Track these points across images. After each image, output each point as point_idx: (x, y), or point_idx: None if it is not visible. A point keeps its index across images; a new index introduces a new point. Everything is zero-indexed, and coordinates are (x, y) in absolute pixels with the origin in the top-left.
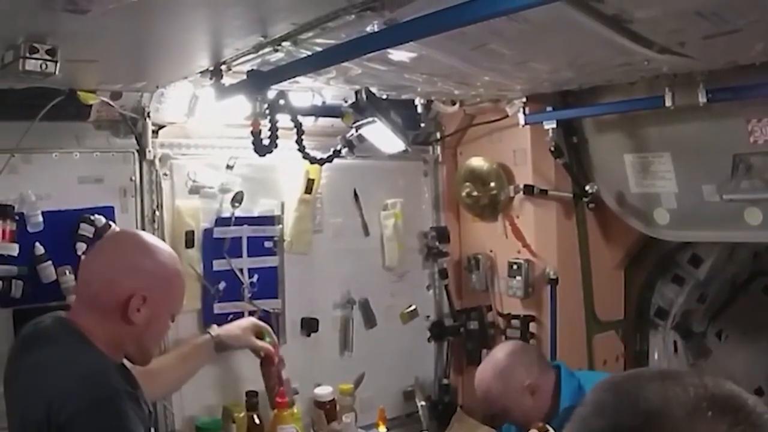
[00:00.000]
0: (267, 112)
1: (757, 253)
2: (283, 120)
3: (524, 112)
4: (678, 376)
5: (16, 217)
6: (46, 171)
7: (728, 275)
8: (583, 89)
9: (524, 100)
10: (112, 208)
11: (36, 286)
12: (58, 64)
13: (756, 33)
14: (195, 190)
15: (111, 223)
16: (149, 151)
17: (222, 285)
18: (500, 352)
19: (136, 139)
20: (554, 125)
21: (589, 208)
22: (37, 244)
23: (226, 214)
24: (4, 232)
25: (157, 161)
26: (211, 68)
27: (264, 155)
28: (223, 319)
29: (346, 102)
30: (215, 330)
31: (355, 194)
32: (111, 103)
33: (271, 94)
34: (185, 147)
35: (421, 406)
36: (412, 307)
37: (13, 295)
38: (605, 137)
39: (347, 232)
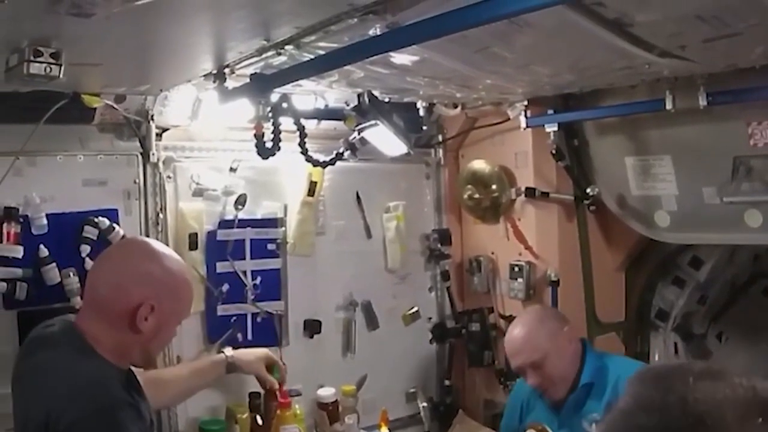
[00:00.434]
0: (270, 115)
1: (757, 255)
2: (286, 123)
3: (526, 115)
4: (726, 376)
5: (21, 220)
6: (51, 173)
7: (728, 277)
8: (584, 92)
9: (526, 103)
10: (116, 210)
11: (40, 288)
12: (63, 68)
13: (756, 36)
14: (198, 193)
15: (115, 225)
16: (153, 154)
17: (225, 287)
18: (534, 307)
19: (140, 141)
20: (555, 128)
21: (590, 211)
22: (42, 246)
23: (230, 217)
24: (8, 234)
25: (160, 164)
26: (215, 71)
27: (267, 158)
28: (226, 320)
29: (347, 105)
30: (229, 351)
31: (358, 197)
32: (115, 106)
33: (274, 97)
34: (189, 150)
35: (423, 407)
36: (414, 309)
37: (18, 297)
38: (606, 140)
39: (350, 235)
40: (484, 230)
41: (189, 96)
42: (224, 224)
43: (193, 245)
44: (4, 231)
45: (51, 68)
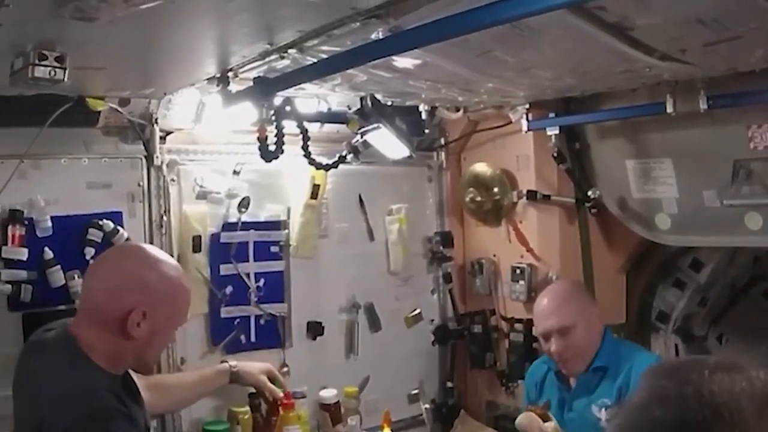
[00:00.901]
0: (273, 118)
1: (757, 257)
2: (289, 126)
3: (527, 119)
4: (742, 369)
5: (26, 222)
6: (55, 176)
7: (729, 279)
8: (585, 96)
9: (527, 106)
10: (120, 213)
11: (45, 291)
12: (67, 71)
13: (756, 40)
14: (202, 196)
15: (119, 228)
16: (157, 157)
17: (229, 289)
18: (568, 279)
19: (144, 145)
20: (557, 131)
21: (592, 213)
22: (46, 248)
23: (233, 219)
24: (13, 236)
25: (164, 167)
26: (218, 75)
27: (270, 161)
28: (229, 322)
29: (349, 109)
30: (233, 362)
31: (360, 199)
32: (119, 109)
33: (278, 100)
34: (192, 153)
35: (426, 408)
36: (417, 311)
37: (23, 299)
38: (607, 143)
39: (352, 237)
40: (486, 233)
41: (193, 99)
42: (228, 227)
43: (196, 248)
44: (9, 233)
45: (55, 72)
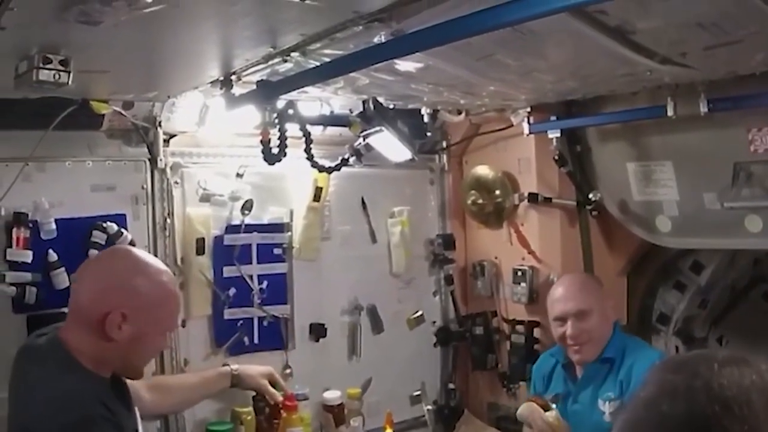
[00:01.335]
0: (276, 121)
1: (757, 259)
2: (292, 129)
3: (529, 122)
4: (751, 363)
5: (30, 225)
6: (60, 179)
7: (729, 281)
8: (586, 99)
9: (529, 109)
10: (124, 215)
11: (49, 293)
12: (71, 75)
13: (756, 44)
14: (205, 198)
15: (123, 230)
16: (160, 160)
17: (232, 291)
18: (584, 272)
19: (148, 147)
20: (558, 134)
21: (593, 216)
22: (51, 251)
23: (236, 222)
24: (18, 239)
25: (168, 170)
26: (222, 78)
27: (273, 164)
28: (233, 324)
29: (351, 112)
30: (235, 366)
31: (363, 202)
32: (123, 112)
33: (281, 103)
34: (196, 156)
35: (428, 410)
36: (419, 313)
37: (27, 301)
38: (608, 146)
39: (355, 239)
40: (488, 235)
41: (196, 102)
42: (231, 229)
43: (200, 250)
44: (14, 236)
45: (60, 75)
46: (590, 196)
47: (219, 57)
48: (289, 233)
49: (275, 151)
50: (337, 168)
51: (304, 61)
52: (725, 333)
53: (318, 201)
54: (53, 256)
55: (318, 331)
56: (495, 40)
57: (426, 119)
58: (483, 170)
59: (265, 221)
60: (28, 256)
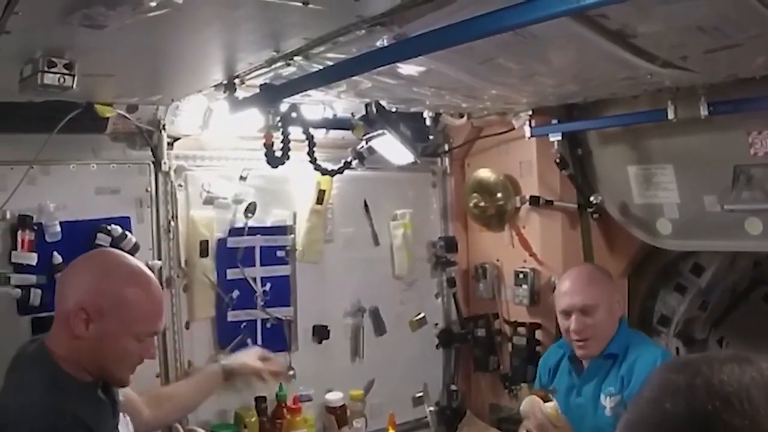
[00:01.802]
0: (279, 124)
1: (757, 262)
2: (295, 132)
3: (530, 125)
4: (752, 361)
5: (35, 227)
6: (64, 182)
7: (729, 284)
8: (587, 102)
9: (530, 113)
10: (129, 218)
11: (54, 295)
12: (76, 78)
13: (756, 47)
14: (209, 201)
15: (127, 233)
16: (164, 163)
17: (235, 293)
18: (595, 264)
19: (152, 151)
20: (559, 137)
21: (594, 219)
22: (55, 253)
23: (240, 224)
24: (23, 241)
25: (172, 172)
26: (225, 82)
27: (276, 167)
28: (236, 326)
29: (353, 116)
30: (224, 359)
31: (366, 205)
32: (127, 116)
33: (284, 107)
34: (200, 159)
35: (430, 411)
36: (421, 315)
37: (32, 303)
38: (609, 149)
39: (358, 242)
40: (490, 238)
41: (200, 106)
42: (234, 232)
43: (203, 252)
44: (19, 238)
45: (64, 79)
46: (591, 198)
47: (222, 61)
48: (292, 236)
49: (278, 154)
50: (340, 171)
51: (307, 65)
52: (726, 335)
53: (321, 204)
54: (58, 258)
55: (321, 333)
56: (497, 44)
57: (428, 122)
58: (485, 173)
59: (269, 224)
60: (32, 259)
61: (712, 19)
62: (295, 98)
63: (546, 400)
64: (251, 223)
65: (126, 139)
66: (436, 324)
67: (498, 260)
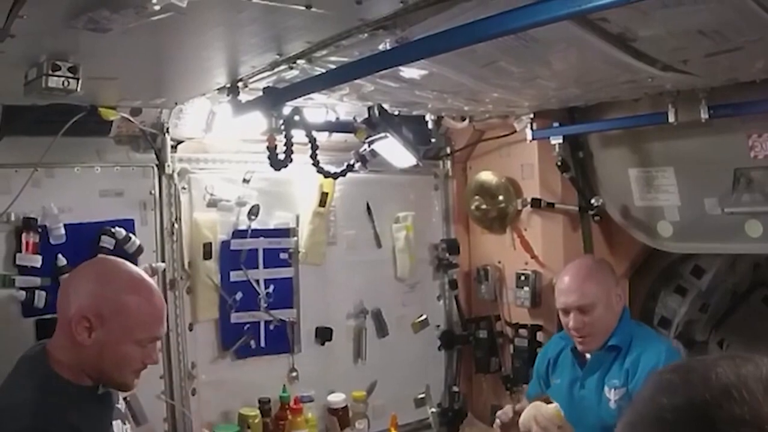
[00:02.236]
0: (282, 127)
1: (757, 264)
2: (298, 135)
3: (532, 128)
4: (748, 356)
5: (40, 230)
6: (68, 185)
7: (729, 286)
8: (588, 105)
9: (532, 116)
10: (132, 220)
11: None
12: (80, 81)
13: (756, 51)
14: (212, 204)
15: (131, 235)
16: (168, 166)
17: (239, 295)
18: (594, 257)
19: (156, 153)
20: (561, 140)
21: (595, 221)
22: (60, 255)
23: (243, 227)
24: (27, 244)
25: (175, 175)
26: (229, 85)
27: (279, 169)
28: (239, 328)
29: (355, 121)
30: None
31: (368, 207)
32: (131, 119)
33: (287, 110)
34: (203, 161)
35: (432, 412)
36: (423, 317)
37: (36, 305)
38: (610, 152)
39: (360, 244)
40: (491, 240)
41: (203, 109)
42: (238, 234)
43: (207, 255)
44: (24, 241)
45: (69, 82)
46: (592, 201)
47: (226, 64)
48: (295, 238)
49: (281, 157)
50: (343, 174)
51: (310, 68)
52: (726, 336)
53: (324, 206)
54: (62, 260)
55: (324, 335)
56: (499, 48)
57: (430, 125)
58: (486, 176)
59: (272, 226)
60: (37, 261)
61: (713, 23)
62: (298, 101)
63: (547, 401)
64: (254, 225)
65: (130, 142)
66: (438, 326)
67: (499, 262)
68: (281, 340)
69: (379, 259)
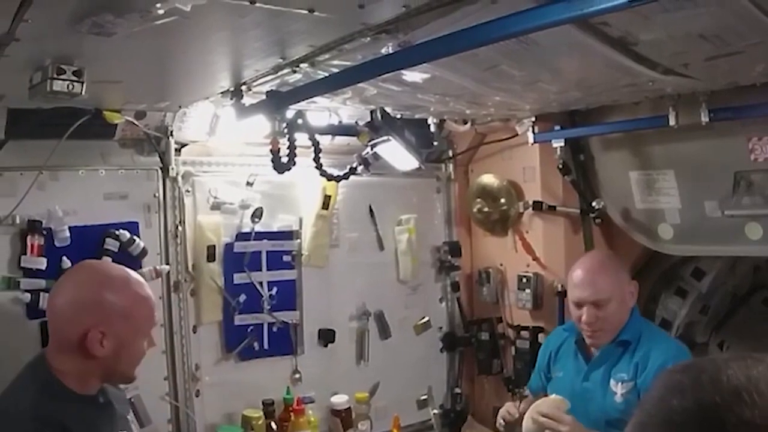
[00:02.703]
0: (285, 131)
1: (757, 266)
2: (301, 138)
3: (533, 131)
4: (759, 357)
5: (44, 232)
6: (73, 187)
7: (729, 288)
8: (590, 109)
9: (533, 119)
10: (137, 223)
11: None
12: (85, 85)
13: (756, 55)
14: (216, 206)
15: (135, 237)
16: (172, 169)
17: (242, 297)
18: (609, 252)
19: (160, 157)
20: (562, 143)
21: (596, 224)
22: (65, 258)
23: (246, 229)
24: (32, 246)
25: (179, 178)
26: (232, 89)
27: (283, 172)
28: (243, 330)
29: (357, 124)
30: None
31: (371, 210)
32: (135, 122)
33: (290, 113)
34: (207, 165)
35: (434, 414)
36: (425, 319)
37: (41, 307)
38: (611, 155)
39: (363, 247)
40: (493, 242)
41: (207, 112)
42: (241, 236)
43: (211, 257)
44: (29, 243)
45: (73, 85)
46: (593, 204)
47: (229, 68)
48: (299, 240)
49: (285, 160)
50: (346, 177)
51: (313, 72)
52: (726, 338)
53: (327, 209)
54: (67, 263)
55: (326, 337)
56: (500, 51)
57: (432, 129)
58: (488, 179)
59: (275, 229)
60: (42, 263)
61: (713, 27)
62: (301, 105)
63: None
64: (258, 228)
65: (134, 146)
66: (440, 328)
67: (501, 265)
68: (284, 342)
69: (381, 262)
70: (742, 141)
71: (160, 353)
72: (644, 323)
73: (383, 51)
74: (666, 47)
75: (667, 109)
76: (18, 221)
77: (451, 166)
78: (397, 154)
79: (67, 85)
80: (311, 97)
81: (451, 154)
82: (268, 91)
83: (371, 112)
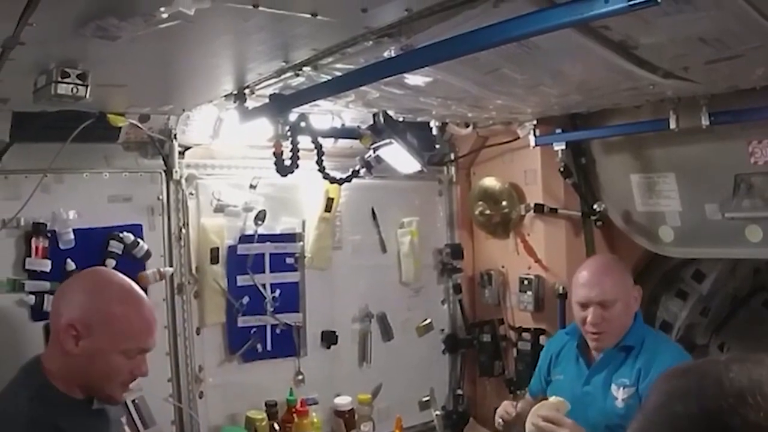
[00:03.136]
0: (288, 134)
1: (757, 268)
2: (304, 141)
3: (535, 134)
4: (758, 358)
5: (49, 235)
6: (77, 190)
7: (730, 290)
8: (591, 112)
9: (535, 122)
10: (141, 226)
11: None
12: (89, 88)
13: (756, 58)
14: (220, 209)
15: (139, 240)
16: (176, 172)
17: (245, 299)
18: (615, 257)
19: (164, 159)
20: (563, 147)
21: (597, 226)
22: (69, 260)
23: (250, 232)
24: (37, 248)
25: (183, 181)
26: (235, 92)
27: (286, 175)
28: (246, 332)
29: (359, 127)
30: None
31: (373, 212)
32: (139, 125)
33: (293, 116)
34: (210, 167)
35: (436, 415)
36: (428, 321)
37: (46, 309)
38: (612, 158)
39: (365, 249)
40: (495, 245)
41: (210, 115)
42: (244, 239)
43: (214, 259)
44: (33, 245)
45: (78, 89)
46: (595, 206)
47: (233, 71)
48: (301, 243)
49: (288, 163)
50: (348, 179)
51: (316, 75)
52: (726, 340)
53: (329, 212)
54: (71, 265)
55: (329, 339)
56: (502, 55)
57: (435, 132)
58: (490, 182)
59: (278, 231)
60: (46, 266)
61: (714, 30)
62: (304, 108)
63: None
64: (261, 230)
65: (138, 148)
66: (443, 329)
67: (503, 267)
68: (287, 344)
69: (384, 264)
70: (742, 144)
71: (164, 355)
72: (647, 329)
73: (386, 54)
74: (666, 51)
75: (668, 112)
76: (23, 224)
77: (453, 169)
78: (399, 157)
79: (72, 89)
80: (314, 101)
81: (453, 157)
82: (271, 95)
83: (374, 115)
